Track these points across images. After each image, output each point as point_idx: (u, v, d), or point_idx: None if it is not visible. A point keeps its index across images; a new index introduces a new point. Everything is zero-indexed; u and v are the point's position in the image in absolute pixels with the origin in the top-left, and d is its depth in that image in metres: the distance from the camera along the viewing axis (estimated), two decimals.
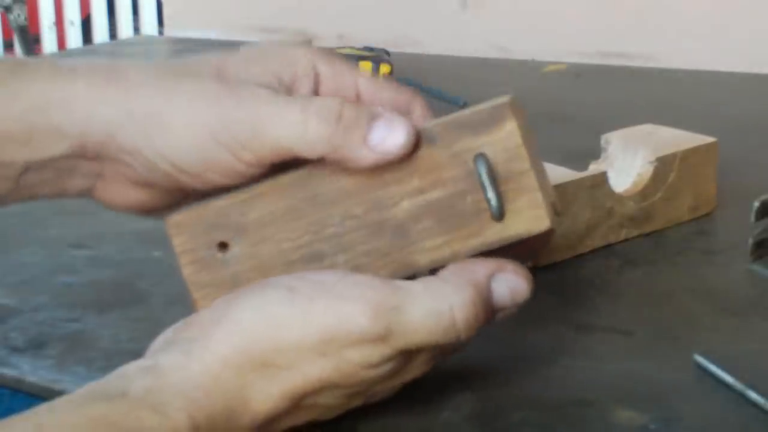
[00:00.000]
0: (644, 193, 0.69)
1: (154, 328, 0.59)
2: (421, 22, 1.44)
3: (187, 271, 0.49)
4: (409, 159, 0.46)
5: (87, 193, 0.52)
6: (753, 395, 0.48)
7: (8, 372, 0.54)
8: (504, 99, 0.46)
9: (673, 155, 0.69)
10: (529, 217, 0.45)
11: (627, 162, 0.70)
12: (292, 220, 0.47)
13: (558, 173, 0.66)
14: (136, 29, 3.01)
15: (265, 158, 0.47)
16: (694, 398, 0.49)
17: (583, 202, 0.65)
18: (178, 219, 0.48)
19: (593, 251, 0.67)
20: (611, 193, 0.67)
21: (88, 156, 0.50)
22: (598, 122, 0.86)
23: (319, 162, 0.47)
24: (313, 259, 0.47)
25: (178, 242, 0.48)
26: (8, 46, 3.21)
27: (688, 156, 0.70)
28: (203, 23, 1.62)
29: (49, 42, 3.25)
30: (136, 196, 0.51)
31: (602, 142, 0.71)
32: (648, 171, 0.69)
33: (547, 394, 0.50)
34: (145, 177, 0.50)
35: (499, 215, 0.45)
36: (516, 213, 0.45)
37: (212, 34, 1.60)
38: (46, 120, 0.48)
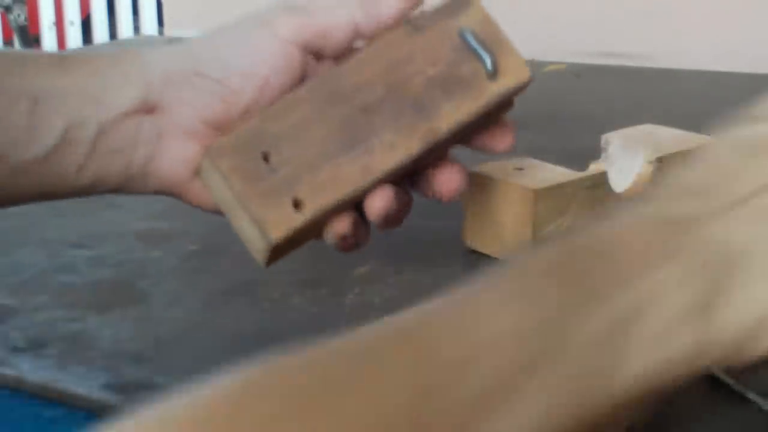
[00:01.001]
0: None
1: (154, 328, 0.59)
2: None
3: (239, 187, 0.50)
4: (406, 45, 0.53)
5: (148, 169, 0.53)
6: (753, 395, 0.48)
7: (8, 372, 0.54)
8: None
9: (673, 155, 0.69)
10: (515, 71, 0.53)
11: (627, 162, 0.69)
12: (322, 120, 0.52)
13: (558, 173, 0.66)
14: (136, 29, 3.01)
15: (302, 31, 0.52)
16: (695, 398, 0.49)
17: (583, 202, 0.65)
18: (218, 145, 0.51)
19: None
20: (611, 193, 0.67)
21: (149, 107, 0.52)
22: (598, 122, 0.86)
23: (329, 70, 0.53)
24: (351, 146, 0.52)
25: (225, 165, 0.50)
26: (8, 47, 3.21)
27: (688, 156, 0.70)
28: (203, 23, 1.62)
29: (49, 42, 3.25)
30: (194, 151, 0.53)
31: (602, 142, 0.71)
32: (648, 171, 0.69)
33: None
34: (208, 103, 0.52)
35: (494, 73, 0.53)
36: (505, 69, 0.53)
37: None
38: (117, 71, 0.52)
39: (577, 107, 1.10)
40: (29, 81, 0.52)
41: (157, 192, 0.55)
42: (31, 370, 0.54)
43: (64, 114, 0.51)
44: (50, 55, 0.53)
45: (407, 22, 0.53)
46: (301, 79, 0.53)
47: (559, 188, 0.64)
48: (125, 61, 0.53)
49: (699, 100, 1.13)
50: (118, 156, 0.53)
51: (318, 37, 0.53)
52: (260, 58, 0.52)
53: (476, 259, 0.66)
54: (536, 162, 0.67)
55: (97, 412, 0.51)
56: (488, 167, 0.65)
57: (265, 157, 0.51)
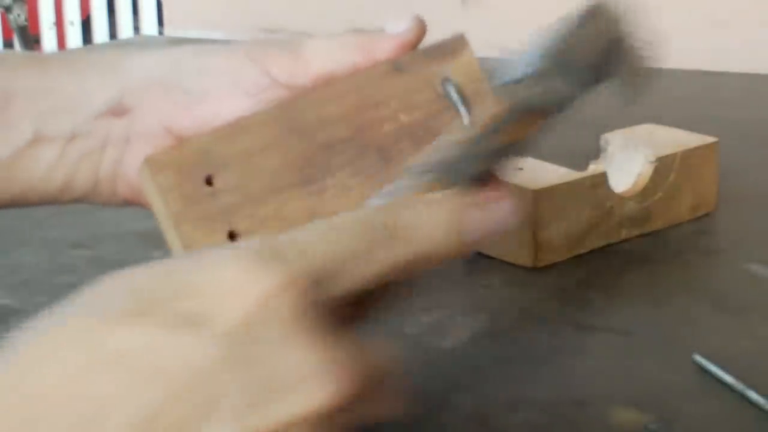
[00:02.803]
0: (644, 193, 0.69)
1: None
2: None
3: (174, 208, 0.46)
4: (384, 86, 0.49)
5: (115, 175, 0.52)
6: (753, 395, 0.48)
7: None
8: (458, 34, 0.52)
9: (673, 155, 0.70)
10: None
11: (627, 162, 0.70)
12: (278, 150, 0.48)
13: (558, 173, 0.66)
14: (136, 29, 3.01)
15: (296, 74, 0.50)
16: (694, 398, 0.49)
17: (583, 202, 0.66)
18: (159, 157, 0.47)
19: (593, 251, 0.67)
20: (611, 193, 0.67)
21: (121, 110, 0.51)
22: (598, 122, 0.86)
23: (298, 93, 0.49)
24: (303, 184, 0.48)
25: (163, 181, 0.46)
26: (8, 47, 3.22)
27: (688, 156, 0.70)
28: (203, 23, 1.62)
29: (49, 42, 3.25)
30: None
31: (602, 142, 0.71)
32: (648, 171, 0.69)
33: (546, 394, 0.50)
34: (176, 113, 0.50)
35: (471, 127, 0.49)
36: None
37: (212, 34, 1.60)
38: (95, 72, 0.51)
39: (577, 107, 1.10)
40: (4, 78, 0.51)
41: (127, 201, 0.53)
42: None
43: (37, 114, 0.50)
44: (29, 55, 0.52)
45: (390, 62, 0.50)
46: None
47: (559, 188, 0.64)
48: (104, 63, 0.52)
49: (699, 100, 1.13)
50: (87, 159, 0.51)
51: (313, 81, 0.50)
52: (244, 89, 0.50)
53: (476, 259, 0.66)
54: (536, 162, 0.67)
55: None
56: None
57: (208, 180, 0.47)
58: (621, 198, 0.67)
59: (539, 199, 0.63)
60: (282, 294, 0.33)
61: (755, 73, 1.23)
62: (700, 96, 1.15)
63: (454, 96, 0.50)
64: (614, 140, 0.71)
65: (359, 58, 0.50)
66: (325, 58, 0.50)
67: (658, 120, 0.76)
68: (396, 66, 0.50)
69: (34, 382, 0.32)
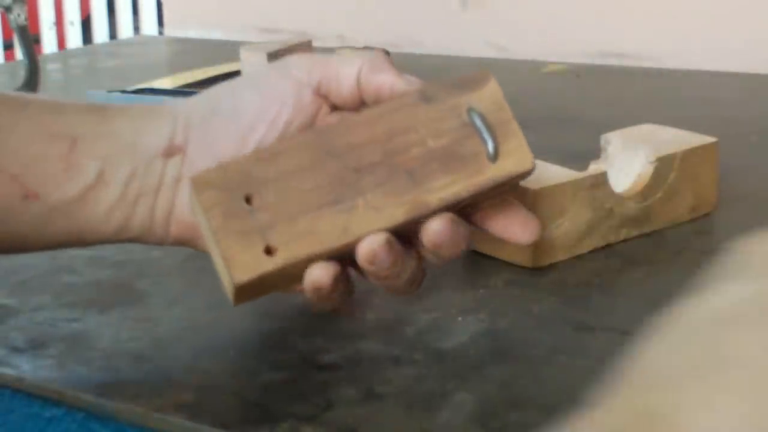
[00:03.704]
0: (644, 193, 0.69)
1: (154, 328, 0.59)
2: (421, 22, 1.44)
3: (215, 223, 0.50)
4: (413, 115, 0.53)
5: (168, 215, 0.54)
6: None
7: (8, 372, 0.54)
8: (483, 70, 0.54)
9: (673, 155, 0.70)
10: (517, 158, 0.53)
11: (627, 162, 0.70)
12: (312, 172, 0.52)
13: (558, 173, 0.66)
14: (136, 29, 3.01)
15: (331, 91, 0.54)
16: None
17: (583, 202, 0.66)
18: (203, 177, 0.51)
19: (593, 251, 0.67)
20: (611, 193, 0.67)
21: (172, 150, 0.54)
22: (598, 122, 0.86)
23: (332, 121, 0.54)
24: (334, 203, 0.51)
25: (206, 199, 0.50)
26: (8, 47, 3.22)
27: (688, 156, 0.70)
28: (203, 23, 1.62)
29: (49, 42, 3.25)
30: None
31: (602, 142, 0.71)
32: (648, 171, 0.69)
33: (546, 394, 0.50)
34: (223, 142, 0.53)
35: (495, 156, 0.52)
36: (507, 154, 0.52)
37: (212, 34, 1.60)
38: (150, 119, 0.54)
39: (577, 107, 1.10)
40: (68, 124, 0.53)
41: (178, 241, 0.55)
42: (31, 370, 0.54)
43: (100, 156, 0.53)
44: (89, 104, 0.56)
45: (418, 92, 0.53)
46: (313, 121, 0.54)
47: (559, 188, 0.64)
48: (157, 109, 0.55)
49: (699, 100, 1.13)
50: (143, 200, 0.53)
51: (328, 79, 0.54)
52: (271, 94, 0.53)
53: (476, 260, 0.66)
54: (536, 162, 0.67)
55: (97, 412, 0.52)
56: None
57: (248, 199, 0.51)
58: (621, 198, 0.68)
59: (539, 199, 0.63)
60: None
61: (755, 73, 1.23)
62: (700, 96, 1.15)
63: (479, 124, 0.52)
64: (614, 140, 0.71)
65: (365, 69, 0.54)
66: (338, 61, 0.54)
67: (658, 120, 0.76)
68: (424, 96, 0.53)
69: None
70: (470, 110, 0.53)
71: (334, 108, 0.55)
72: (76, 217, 0.53)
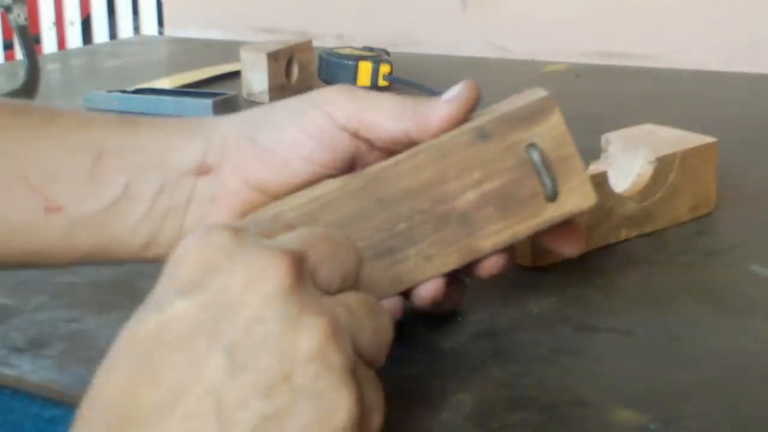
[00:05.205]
0: (644, 193, 0.69)
1: None
2: (421, 22, 1.44)
3: None
4: (468, 155, 0.50)
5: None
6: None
7: (8, 372, 0.54)
8: (542, 92, 0.52)
9: (673, 155, 0.70)
10: (578, 196, 0.51)
11: (627, 162, 0.70)
12: (363, 222, 0.50)
13: None
14: (136, 29, 3.01)
15: (372, 139, 0.52)
16: (694, 398, 0.49)
17: None
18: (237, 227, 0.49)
19: (593, 251, 0.67)
20: (611, 193, 0.67)
21: (205, 169, 0.53)
22: (598, 122, 0.86)
23: (382, 167, 0.51)
24: (385, 254, 0.50)
25: None
26: (8, 47, 3.22)
27: (688, 156, 0.70)
28: (203, 23, 1.62)
29: (49, 42, 3.25)
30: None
31: (602, 142, 0.71)
32: (648, 171, 0.69)
33: (546, 394, 0.50)
34: (254, 169, 0.52)
35: (554, 196, 0.50)
36: (567, 193, 0.50)
37: (212, 34, 1.60)
38: (182, 134, 0.54)
39: (577, 107, 1.10)
40: (95, 136, 0.53)
41: None
42: (31, 370, 0.54)
43: (127, 170, 0.52)
44: (119, 117, 0.55)
45: (476, 129, 0.50)
46: (350, 160, 0.52)
47: None
48: (190, 125, 0.54)
49: (699, 100, 1.13)
50: (172, 216, 0.53)
51: (367, 130, 0.52)
52: (308, 132, 0.52)
53: None
54: None
55: None
56: None
57: None
58: (621, 198, 0.68)
59: None
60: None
61: (755, 73, 1.23)
62: (700, 96, 1.15)
63: (539, 163, 0.50)
64: (614, 140, 0.71)
65: (411, 128, 0.51)
66: (380, 115, 0.51)
67: (658, 120, 0.76)
68: (481, 134, 0.50)
69: None
70: (529, 147, 0.50)
71: (374, 146, 0.53)
72: (102, 230, 0.52)
